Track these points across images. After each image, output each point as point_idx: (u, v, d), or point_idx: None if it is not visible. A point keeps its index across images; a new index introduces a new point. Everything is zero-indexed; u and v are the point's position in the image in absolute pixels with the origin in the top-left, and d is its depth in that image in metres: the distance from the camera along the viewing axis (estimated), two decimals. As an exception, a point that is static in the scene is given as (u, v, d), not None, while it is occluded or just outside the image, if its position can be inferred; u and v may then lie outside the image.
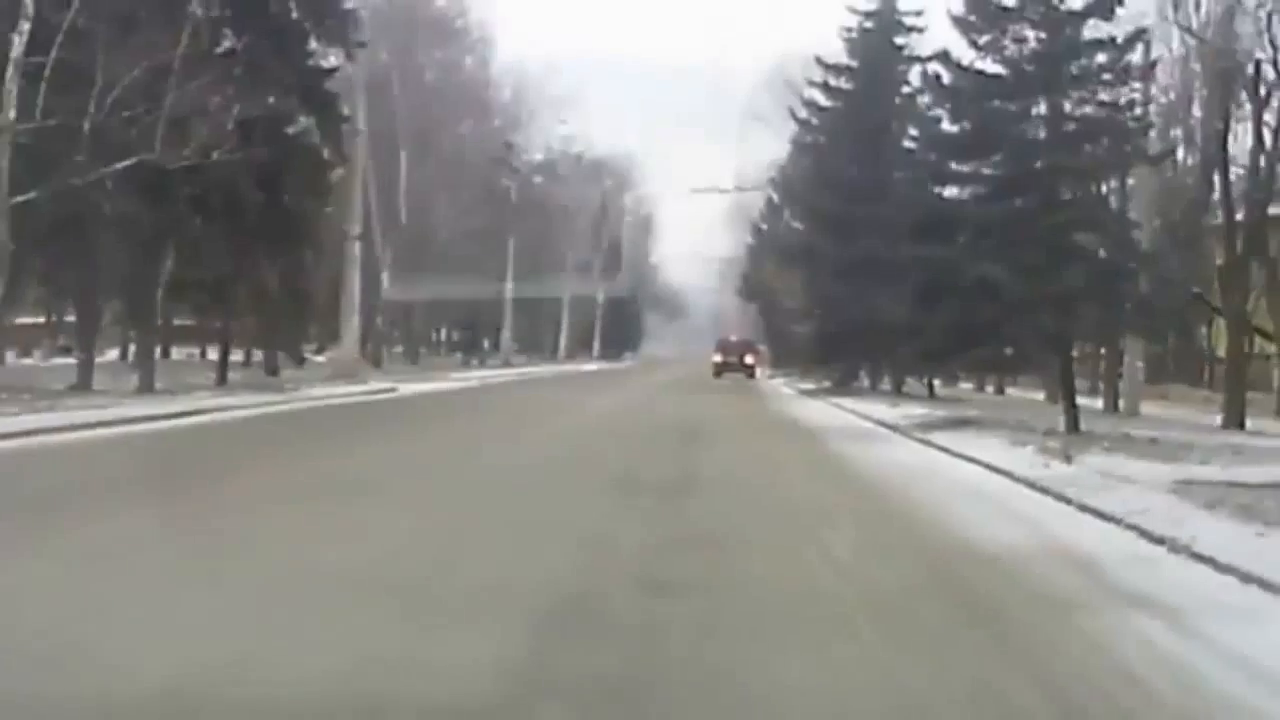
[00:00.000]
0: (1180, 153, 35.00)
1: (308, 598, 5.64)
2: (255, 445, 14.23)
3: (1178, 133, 35.19)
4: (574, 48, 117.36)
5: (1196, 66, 30.51)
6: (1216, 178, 28.21)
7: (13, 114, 16.99)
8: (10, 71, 16.98)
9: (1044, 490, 11.01)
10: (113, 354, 32.21)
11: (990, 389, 43.08)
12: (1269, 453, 15.63)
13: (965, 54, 20.47)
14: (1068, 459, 13.29)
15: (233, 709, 4.03)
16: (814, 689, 4.50)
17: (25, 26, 17.06)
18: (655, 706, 4.21)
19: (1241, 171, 28.39)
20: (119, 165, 16.88)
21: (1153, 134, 24.99)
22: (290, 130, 21.95)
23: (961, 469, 13.43)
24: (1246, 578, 6.88)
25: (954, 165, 20.93)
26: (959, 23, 20.43)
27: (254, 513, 8.35)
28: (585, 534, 7.90)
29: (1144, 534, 8.49)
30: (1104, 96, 20.03)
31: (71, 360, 28.01)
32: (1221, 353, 32.27)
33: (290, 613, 5.33)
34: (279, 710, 4.03)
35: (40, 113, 16.90)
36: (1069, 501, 10.23)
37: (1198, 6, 31.92)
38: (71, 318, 33.16)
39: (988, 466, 13.17)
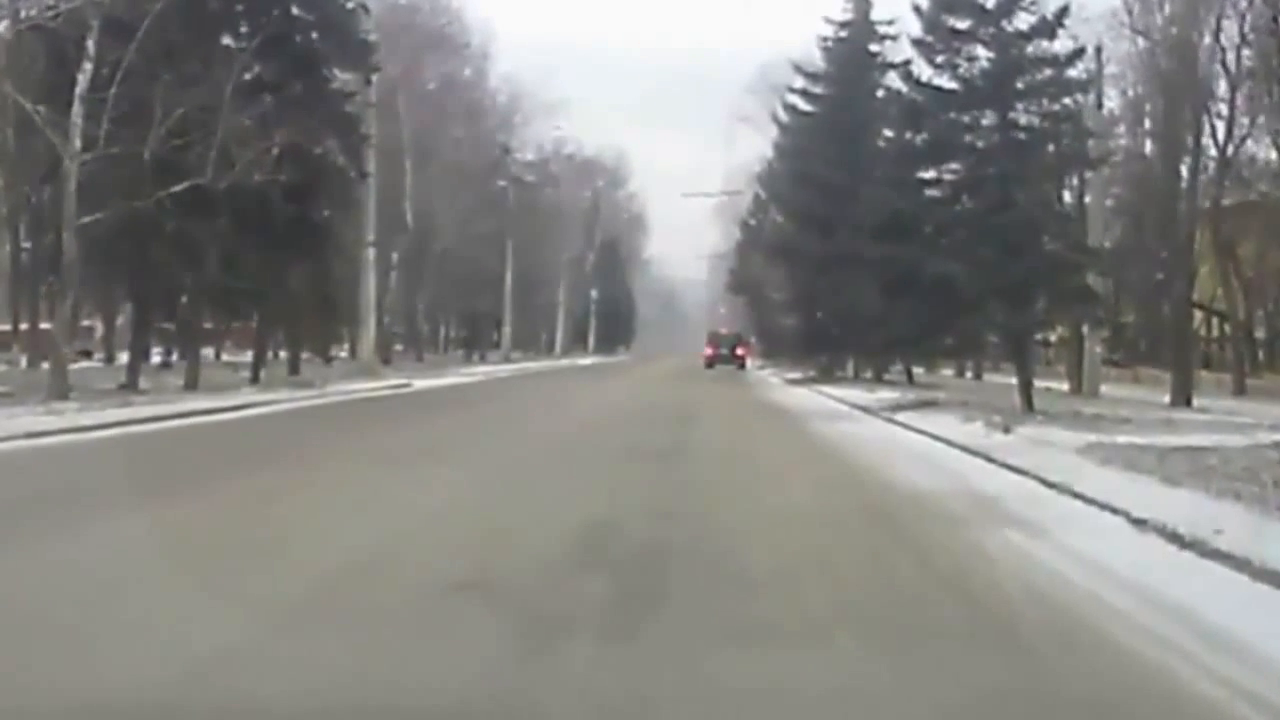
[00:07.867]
0: (1149, 146, 37.43)
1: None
2: (339, 425, 17.08)
3: (1146, 125, 37.61)
4: (560, 40, 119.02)
5: (1164, 63, 32.78)
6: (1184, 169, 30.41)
7: (78, 144, 19.20)
8: (75, 106, 19.20)
9: (976, 453, 13.34)
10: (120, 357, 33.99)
11: (969, 374, 45.29)
12: (1192, 425, 17.91)
13: (925, 71, 22.94)
14: (1006, 430, 15.58)
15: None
16: (770, 555, 6.85)
17: (88, 67, 19.27)
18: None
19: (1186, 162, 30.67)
20: (175, 188, 19.11)
21: (1092, 142, 27.27)
22: (316, 150, 24.06)
23: (913, 439, 15.81)
24: (1105, 506, 9.21)
25: (916, 172, 23.22)
26: (918, 44, 22.78)
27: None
28: (618, 475, 10.27)
29: (1042, 481, 10.82)
30: (1048, 107, 22.40)
31: (88, 364, 30.47)
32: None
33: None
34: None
35: (103, 143, 19.10)
36: (992, 460, 12.55)
37: (1161, 6, 34.38)
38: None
39: (935, 437, 15.51)
